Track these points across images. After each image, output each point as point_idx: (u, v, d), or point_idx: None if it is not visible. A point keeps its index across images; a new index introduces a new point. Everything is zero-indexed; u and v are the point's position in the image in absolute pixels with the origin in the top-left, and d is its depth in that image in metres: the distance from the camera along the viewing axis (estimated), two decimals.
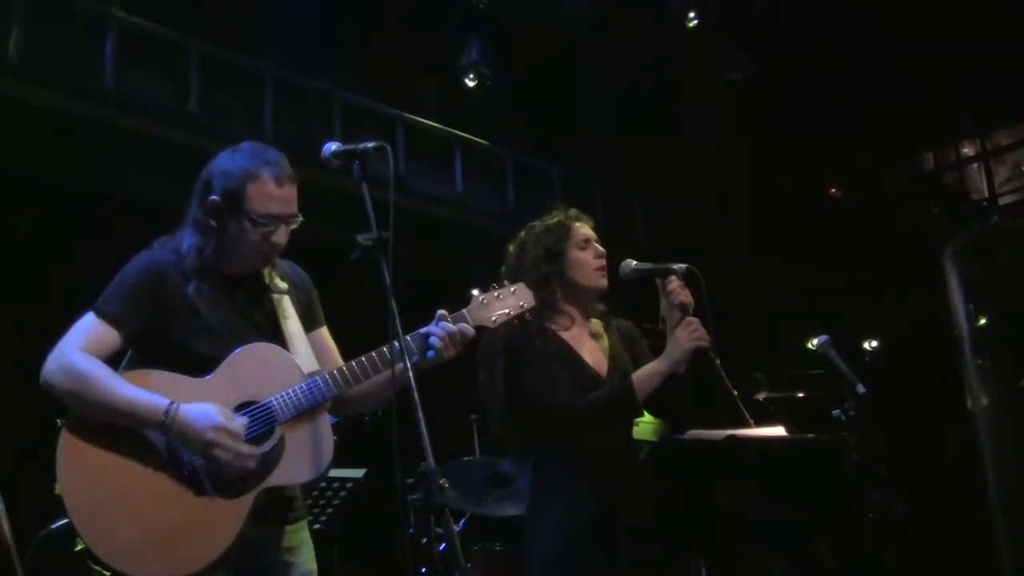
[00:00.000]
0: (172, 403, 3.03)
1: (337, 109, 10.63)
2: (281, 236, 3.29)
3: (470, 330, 3.30)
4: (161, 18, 9.46)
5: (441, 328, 3.23)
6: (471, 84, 11.31)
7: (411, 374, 2.88)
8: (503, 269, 4.02)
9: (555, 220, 4.10)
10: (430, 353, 3.21)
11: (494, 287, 3.44)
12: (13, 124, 8.36)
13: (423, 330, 3.24)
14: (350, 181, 3.20)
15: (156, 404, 3.03)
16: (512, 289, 3.46)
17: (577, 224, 4.09)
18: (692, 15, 11.00)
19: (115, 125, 8.91)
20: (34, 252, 7.98)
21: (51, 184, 8.57)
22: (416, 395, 2.83)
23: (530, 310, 3.51)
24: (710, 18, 11.08)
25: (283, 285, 3.43)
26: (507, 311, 3.42)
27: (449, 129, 11.82)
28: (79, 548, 4.53)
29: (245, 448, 3.06)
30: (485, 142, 12.17)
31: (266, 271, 3.41)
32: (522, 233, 4.14)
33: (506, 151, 12.36)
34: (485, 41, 11.22)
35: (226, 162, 3.30)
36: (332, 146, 3.24)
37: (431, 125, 11.65)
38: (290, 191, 3.29)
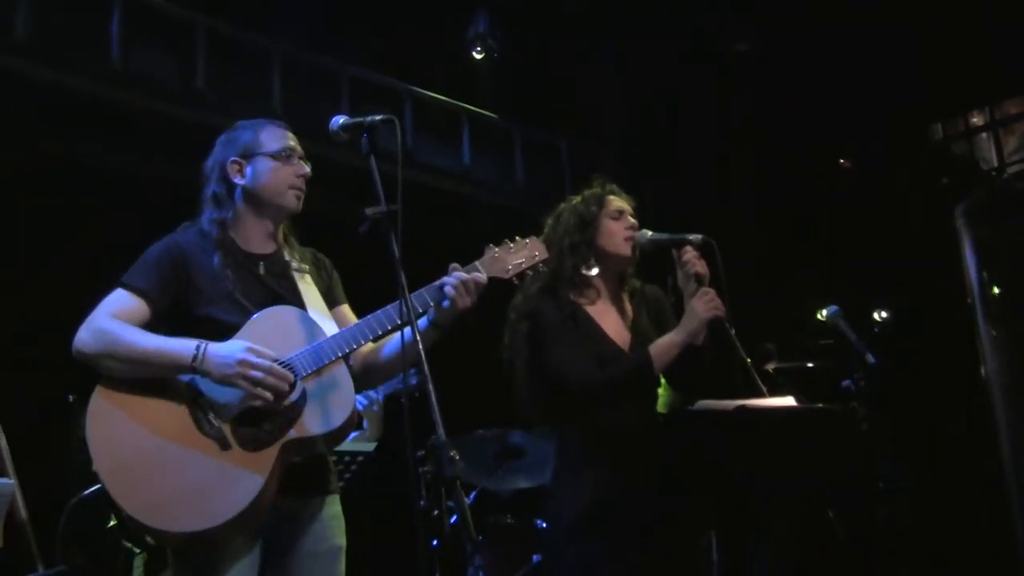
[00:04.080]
0: (201, 342, 3.16)
1: (345, 83, 10.59)
2: (304, 168, 3.51)
3: (482, 277, 3.38)
4: None
5: (454, 277, 3.30)
6: (479, 57, 11.27)
7: (420, 345, 2.93)
8: (539, 240, 4.07)
9: (592, 192, 4.16)
10: (445, 303, 3.29)
11: (507, 241, 3.50)
12: (19, 101, 8.35)
13: (437, 282, 3.31)
14: (358, 155, 3.23)
15: (185, 345, 3.17)
16: (525, 242, 3.54)
17: (612, 196, 4.15)
18: None
19: (122, 102, 8.89)
20: (39, 229, 7.99)
21: (58, 161, 8.57)
22: (427, 368, 2.86)
23: (544, 262, 3.57)
24: None
25: (304, 265, 3.58)
26: (521, 262, 3.49)
27: (457, 102, 11.77)
28: (112, 524, 4.62)
29: (277, 367, 3.11)
30: (493, 115, 12.13)
31: (287, 251, 3.53)
32: (562, 204, 4.21)
33: (514, 124, 12.32)
34: (493, 14, 11.17)
35: (227, 136, 3.56)
36: (340, 119, 3.32)
37: (439, 99, 11.61)
38: (293, 136, 3.56)
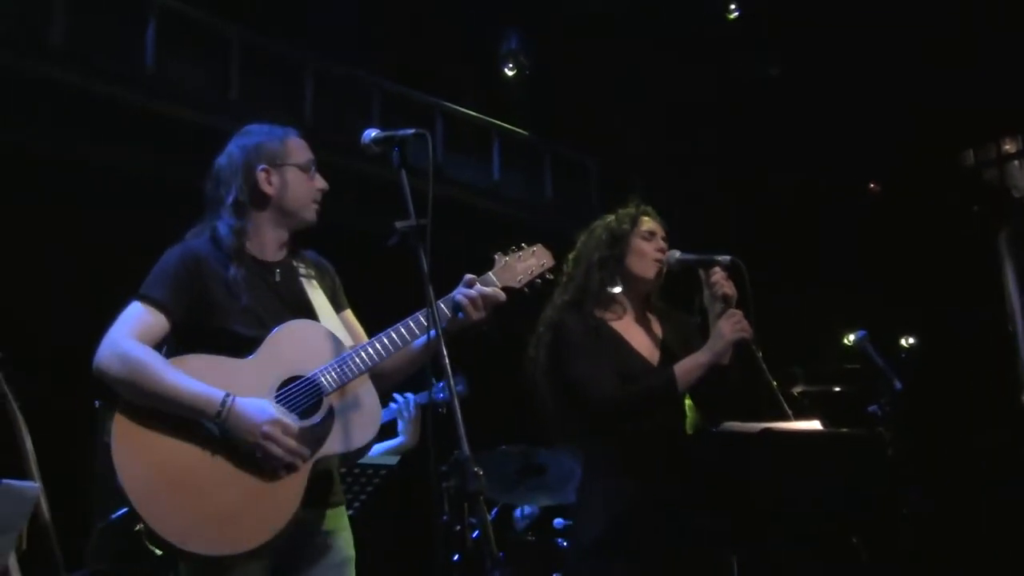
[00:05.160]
0: (228, 396, 3.10)
1: (376, 97, 10.63)
2: (324, 183, 3.57)
3: (500, 294, 3.39)
4: (202, 4, 9.48)
5: (475, 291, 3.32)
6: (510, 74, 11.28)
7: (443, 346, 2.94)
8: (571, 255, 4.10)
9: (627, 211, 4.17)
10: (460, 314, 3.30)
11: (513, 249, 3.53)
12: (54, 109, 8.41)
13: (452, 294, 3.32)
14: (389, 168, 3.24)
15: (212, 397, 3.10)
16: (532, 250, 3.59)
17: (646, 217, 4.16)
18: (733, 7, 10.95)
19: (155, 111, 8.95)
20: (72, 236, 8.04)
21: (92, 170, 8.62)
22: (452, 383, 2.86)
23: (551, 269, 3.61)
24: (750, 12, 11.02)
25: (310, 271, 3.59)
26: (530, 271, 3.52)
27: (487, 118, 11.79)
28: (138, 528, 4.63)
29: (297, 445, 3.11)
30: (523, 132, 12.14)
31: (295, 258, 3.60)
32: (596, 221, 4.23)
33: (544, 142, 12.32)
34: (525, 31, 11.19)
35: (250, 141, 3.55)
36: (372, 133, 3.33)
37: (469, 114, 11.63)
38: None
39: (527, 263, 3.54)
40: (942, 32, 10.55)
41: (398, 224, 3.08)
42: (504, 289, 3.43)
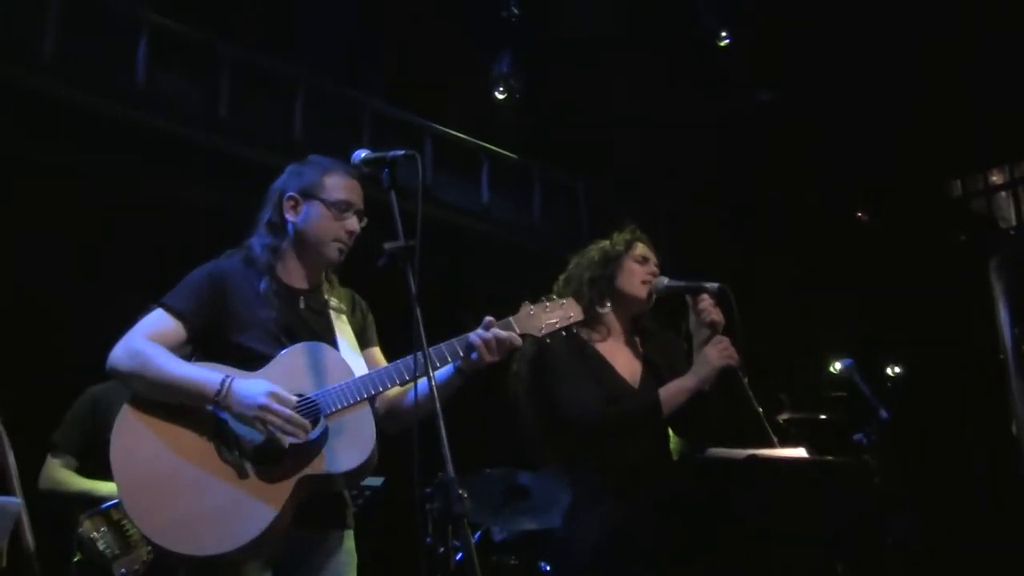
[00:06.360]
0: (227, 377, 3.21)
1: (367, 117, 10.63)
2: (355, 225, 3.53)
3: (516, 338, 3.38)
4: (194, 22, 9.49)
5: (491, 333, 3.31)
6: (500, 97, 11.29)
7: (435, 388, 2.96)
8: (561, 277, 4.10)
9: (622, 235, 4.19)
10: (473, 355, 3.30)
11: (543, 299, 3.51)
12: (45, 122, 8.40)
13: (468, 334, 3.32)
14: (378, 189, 3.24)
15: (211, 378, 3.21)
16: (561, 302, 3.55)
17: (641, 243, 4.18)
18: (724, 34, 10.97)
19: (146, 126, 8.93)
20: (62, 249, 8.02)
21: (81, 183, 8.60)
22: (438, 405, 2.86)
23: (578, 323, 3.55)
24: (742, 39, 11.04)
25: (342, 305, 3.63)
26: (555, 322, 3.49)
27: (477, 141, 11.80)
28: (77, 559, 4.65)
29: (296, 416, 3.14)
30: (512, 155, 12.16)
31: (326, 289, 3.64)
32: (591, 245, 4.24)
33: (534, 165, 12.34)
34: (516, 54, 11.21)
35: (297, 168, 3.61)
36: (362, 153, 3.35)
37: (459, 136, 11.64)
38: (359, 185, 3.58)
39: (553, 315, 3.50)
40: (935, 58, 10.60)
41: (387, 245, 3.08)
42: (523, 335, 3.42)
